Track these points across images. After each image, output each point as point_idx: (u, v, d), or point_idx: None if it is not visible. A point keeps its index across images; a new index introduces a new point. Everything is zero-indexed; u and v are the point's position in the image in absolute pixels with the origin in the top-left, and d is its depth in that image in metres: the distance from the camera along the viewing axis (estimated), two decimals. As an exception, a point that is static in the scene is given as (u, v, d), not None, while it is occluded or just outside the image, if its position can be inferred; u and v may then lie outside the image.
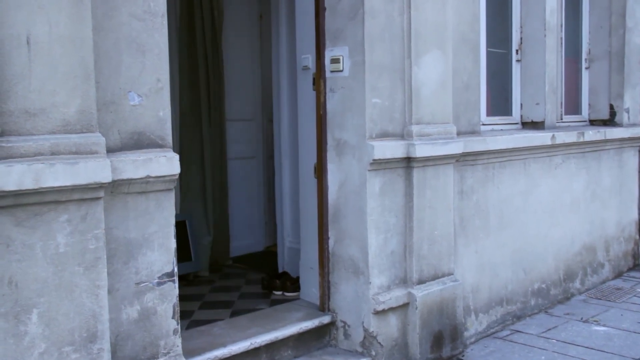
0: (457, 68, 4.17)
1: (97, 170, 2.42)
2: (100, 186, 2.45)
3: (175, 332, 2.78)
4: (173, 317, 2.77)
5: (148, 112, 2.72)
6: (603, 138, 5.64)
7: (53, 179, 2.31)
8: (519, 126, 5.23)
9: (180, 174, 5.14)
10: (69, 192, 2.37)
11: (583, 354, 4.10)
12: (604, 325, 4.63)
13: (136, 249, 2.67)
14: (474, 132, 4.39)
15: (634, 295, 5.36)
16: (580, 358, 4.04)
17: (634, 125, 6.10)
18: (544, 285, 5.05)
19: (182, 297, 4.10)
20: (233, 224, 5.64)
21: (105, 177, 2.45)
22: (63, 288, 2.37)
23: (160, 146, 2.76)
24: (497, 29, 5.08)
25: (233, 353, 3.29)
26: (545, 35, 5.10)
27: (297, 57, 4.24)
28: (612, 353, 4.11)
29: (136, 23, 2.68)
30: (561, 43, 5.53)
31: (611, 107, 6.01)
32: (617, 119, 5.98)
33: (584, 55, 6.01)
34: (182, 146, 5.14)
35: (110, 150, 2.58)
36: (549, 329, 4.58)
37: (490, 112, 5.01)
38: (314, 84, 3.93)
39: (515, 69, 5.22)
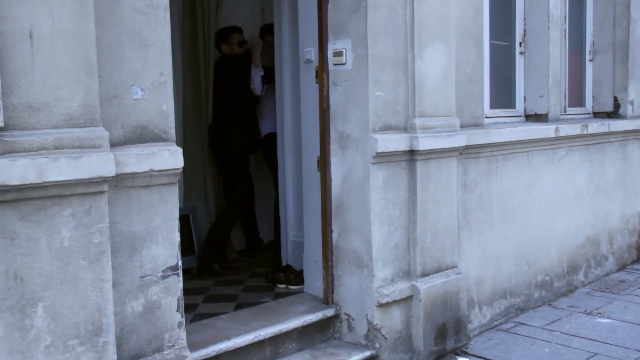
0: (460, 61, 4.16)
1: (100, 164, 2.42)
2: (103, 180, 2.45)
3: (179, 325, 2.79)
4: (177, 311, 2.78)
5: (151, 106, 2.72)
6: (607, 130, 5.62)
7: (57, 173, 2.31)
8: (523, 119, 5.22)
9: (184, 168, 5.19)
10: (73, 186, 2.37)
11: (587, 346, 4.10)
12: (607, 318, 4.64)
13: (140, 242, 2.67)
14: (477, 125, 4.38)
15: (638, 288, 5.36)
16: (584, 350, 4.04)
17: (638, 117, 6.08)
18: (547, 278, 5.05)
19: (186, 291, 4.11)
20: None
21: (109, 171, 2.45)
22: (68, 282, 2.38)
23: (164, 140, 2.76)
24: (501, 21, 5.06)
25: (237, 346, 3.30)
26: (548, 27, 5.07)
27: (299, 50, 4.23)
28: (616, 345, 4.11)
29: (139, 17, 2.68)
30: (565, 35, 5.51)
31: (615, 99, 5.99)
32: (621, 111, 5.96)
33: (587, 47, 5.98)
34: (186, 140, 5.14)
35: (114, 144, 2.58)
36: (553, 322, 4.58)
37: (494, 104, 4.99)
38: (316, 77, 3.92)
39: (519, 61, 5.20)
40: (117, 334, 2.58)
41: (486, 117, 4.71)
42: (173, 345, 2.75)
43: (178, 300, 2.78)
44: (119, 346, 2.58)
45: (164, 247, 2.74)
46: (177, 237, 2.78)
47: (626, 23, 5.82)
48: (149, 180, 2.69)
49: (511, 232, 4.68)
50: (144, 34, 2.69)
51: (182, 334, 2.80)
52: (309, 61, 4.10)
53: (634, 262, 6.16)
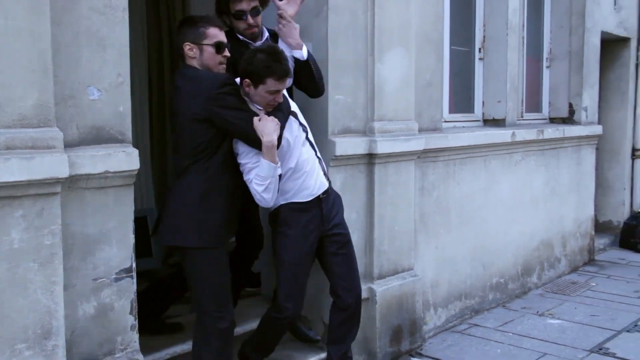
0: (420, 66, 4.22)
1: (53, 165, 2.39)
2: (57, 181, 2.42)
3: (132, 327, 2.77)
4: (131, 313, 2.76)
5: (108, 107, 2.69)
6: (562, 136, 5.76)
7: (8, 174, 2.28)
8: (481, 123, 5.31)
9: (153, 170, 5.12)
10: (25, 187, 2.34)
11: (537, 347, 4.21)
12: (558, 319, 4.76)
13: (94, 244, 2.65)
14: (435, 129, 4.44)
15: (588, 289, 5.51)
16: (535, 350, 4.15)
17: (591, 123, 6.25)
18: (502, 280, 5.16)
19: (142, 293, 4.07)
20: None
21: (62, 172, 2.42)
22: (17, 284, 2.34)
23: (120, 141, 2.74)
24: (461, 28, 5.14)
25: (192, 348, 3.29)
26: (507, 35, 5.18)
27: (261, 52, 4.22)
28: (564, 345, 4.23)
29: (96, 17, 2.65)
30: (523, 42, 5.63)
31: (570, 105, 6.15)
32: (575, 117, 6.12)
33: (545, 55, 6.12)
34: (153, 142, 5.06)
35: (69, 145, 2.55)
36: (506, 323, 4.68)
37: (453, 109, 5.08)
38: (277, 79, 3.92)
39: (478, 67, 5.30)
40: (68, 337, 2.55)
41: (445, 122, 4.79)
42: (125, 348, 2.73)
43: (131, 302, 2.76)
44: (69, 350, 2.55)
45: (119, 250, 2.72)
46: (131, 240, 2.76)
47: (581, 32, 5.98)
48: (104, 181, 2.67)
49: (468, 235, 4.77)
50: (101, 34, 2.66)
51: (135, 336, 2.78)
52: (270, 63, 4.09)
53: (585, 264, 6.33)
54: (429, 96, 4.37)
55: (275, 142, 2.85)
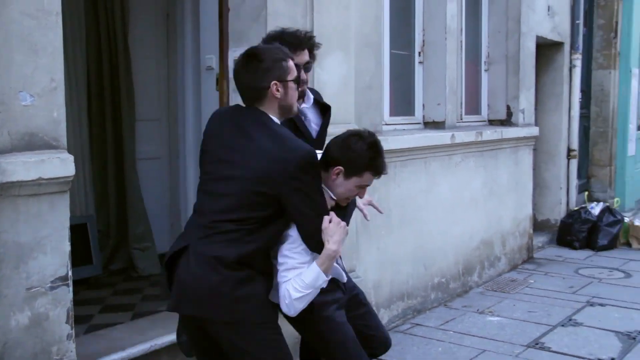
0: (359, 69, 4.27)
1: (-17, 173, 2.34)
2: (-14, 189, 2.37)
3: (69, 337, 2.72)
4: (67, 322, 2.71)
5: (41, 112, 2.64)
6: (500, 137, 5.93)
7: None
8: (421, 126, 5.42)
9: (93, 175, 5.04)
10: (-48, 196, 2.28)
11: (477, 344, 4.32)
12: (497, 316, 4.89)
13: (27, 253, 2.59)
14: (376, 132, 4.46)
15: (527, 286, 5.69)
16: (474, 347, 4.26)
17: (528, 125, 6.45)
18: (443, 280, 5.26)
19: (82, 302, 4.02)
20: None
21: (-8, 179, 2.37)
22: (-55, 296, 2.28)
23: (54, 147, 2.69)
24: (401, 32, 5.24)
25: (132, 356, 3.24)
26: (446, 39, 5.30)
27: (200, 57, 4.22)
28: (503, 341, 4.35)
29: (28, 21, 2.60)
30: (461, 46, 5.77)
31: (508, 107, 6.33)
32: (513, 119, 6.30)
33: (483, 58, 6.29)
34: (92, 147, 4.97)
35: (0, 152, 2.50)
36: (447, 321, 4.78)
37: (394, 112, 5.16)
38: (217, 84, 3.92)
39: (418, 70, 5.40)
40: None
41: (385, 124, 4.86)
42: (61, 359, 2.68)
43: (67, 311, 2.71)
44: (1, 362, 2.49)
45: (53, 257, 2.66)
46: (67, 247, 2.71)
47: (517, 36, 6.17)
48: (37, 188, 2.61)
49: (409, 236, 4.85)
50: (33, 39, 2.61)
51: (71, 346, 2.73)
52: (210, 68, 4.10)
53: (524, 262, 6.52)
54: (369, 99, 4.43)
55: (340, 254, 2.45)
